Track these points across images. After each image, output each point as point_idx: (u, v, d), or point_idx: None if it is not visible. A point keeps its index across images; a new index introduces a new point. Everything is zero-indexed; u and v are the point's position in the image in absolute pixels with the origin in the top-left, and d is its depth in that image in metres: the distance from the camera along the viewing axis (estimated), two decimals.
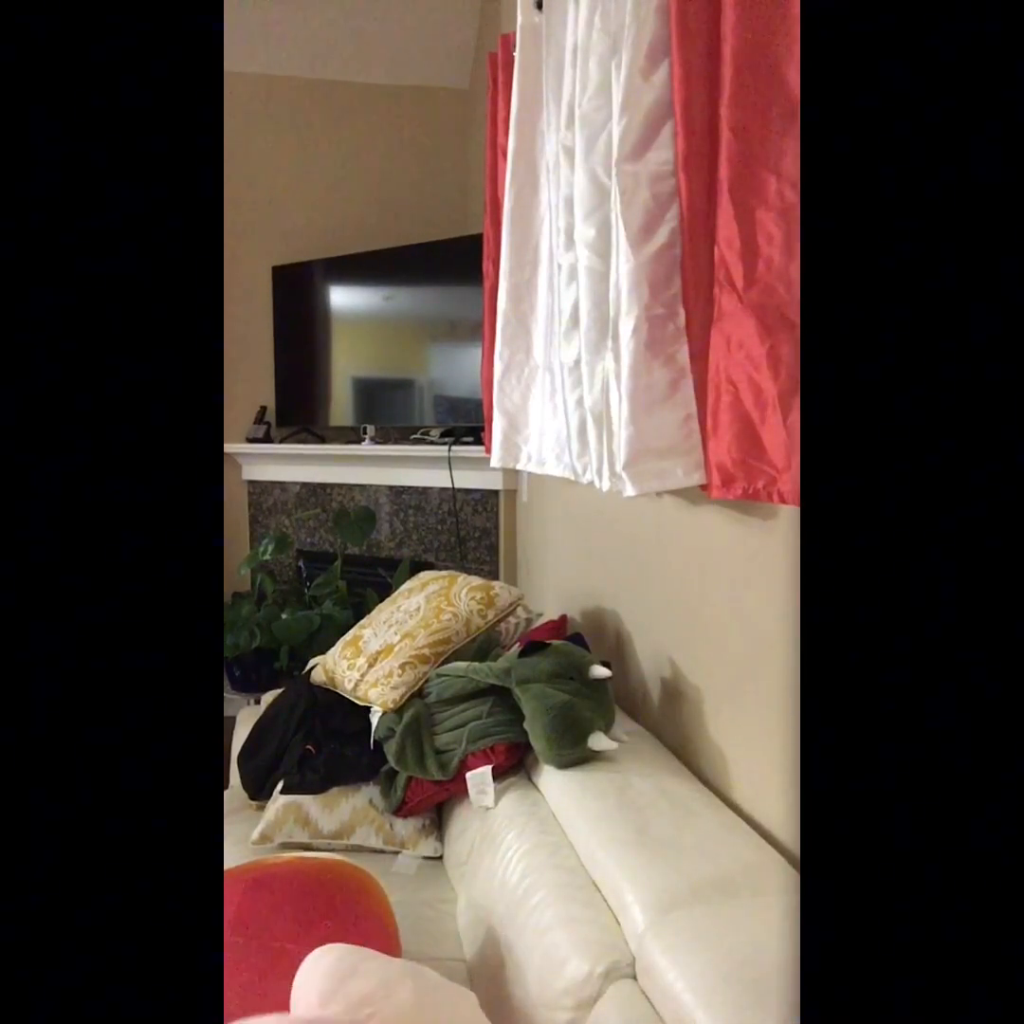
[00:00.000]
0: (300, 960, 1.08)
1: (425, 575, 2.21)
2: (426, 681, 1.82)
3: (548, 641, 1.70)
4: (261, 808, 1.91)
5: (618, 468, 1.31)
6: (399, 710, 1.79)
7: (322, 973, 0.99)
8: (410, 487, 3.42)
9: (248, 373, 3.85)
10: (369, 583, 3.46)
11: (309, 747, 1.88)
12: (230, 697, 3.58)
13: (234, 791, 2.08)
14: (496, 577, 3.20)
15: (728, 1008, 0.87)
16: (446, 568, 3.33)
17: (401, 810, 1.77)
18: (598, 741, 1.50)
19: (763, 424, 1.09)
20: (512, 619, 2.00)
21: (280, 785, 1.83)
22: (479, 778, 1.62)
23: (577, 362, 1.58)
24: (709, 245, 1.19)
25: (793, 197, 1.03)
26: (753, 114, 1.06)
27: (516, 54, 1.91)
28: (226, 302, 3.78)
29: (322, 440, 3.76)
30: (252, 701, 2.86)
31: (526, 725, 1.58)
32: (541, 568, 2.75)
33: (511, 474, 3.08)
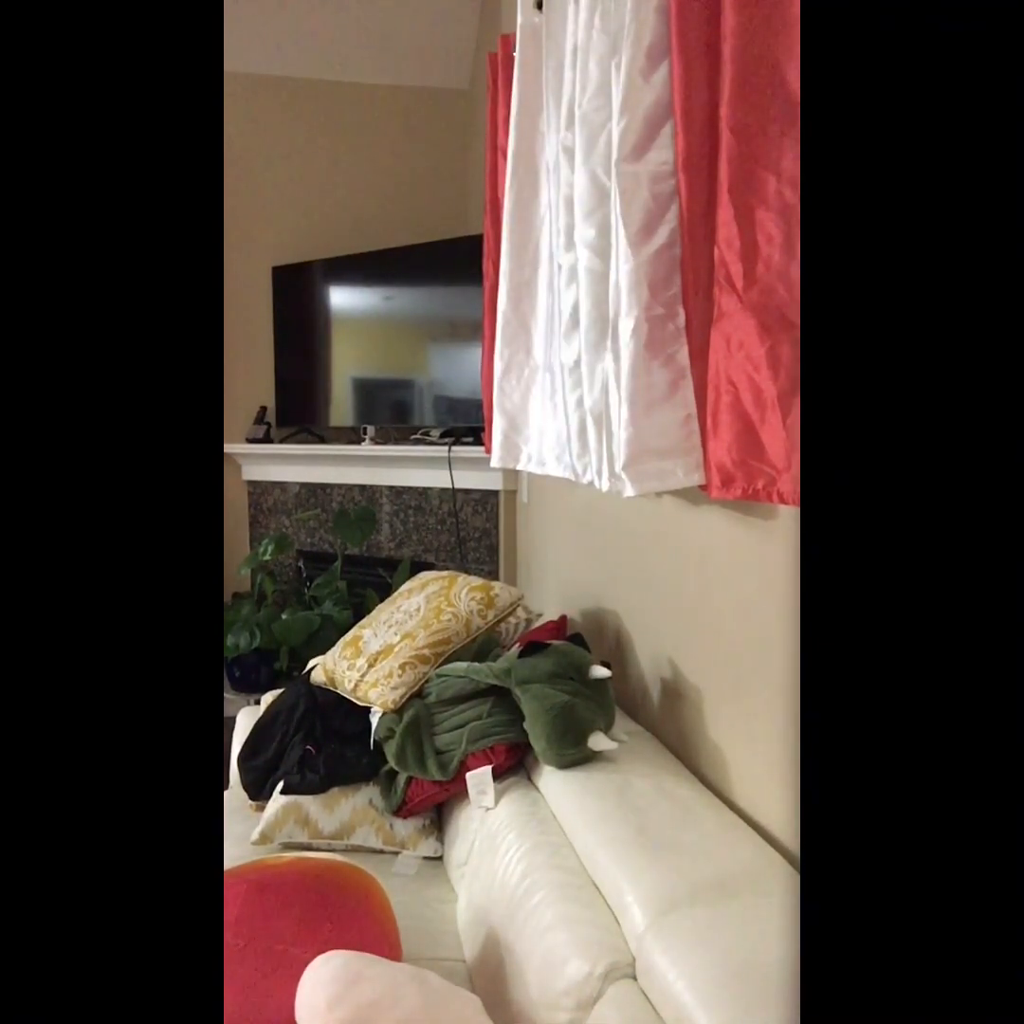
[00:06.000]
0: (302, 963, 1.08)
1: (425, 575, 2.21)
2: (426, 681, 1.82)
3: (548, 641, 1.70)
4: (261, 808, 1.91)
5: (618, 468, 1.31)
6: (399, 710, 1.79)
7: (328, 978, 0.99)
8: (410, 487, 3.42)
9: (248, 373, 3.85)
10: (369, 583, 3.46)
11: (309, 747, 1.88)
12: (230, 697, 3.58)
13: (234, 791, 2.08)
14: (496, 577, 3.20)
15: (728, 1008, 0.87)
16: (446, 568, 3.33)
17: (401, 810, 1.77)
18: (598, 741, 1.49)
19: (763, 424, 1.09)
20: (512, 619, 2.00)
21: (280, 785, 1.83)
22: (479, 778, 1.62)
23: (577, 362, 1.58)
24: (709, 245, 1.19)
25: (793, 197, 1.03)
26: (753, 114, 1.06)
27: (516, 54, 1.90)
28: (226, 302, 3.78)
29: (322, 440, 3.76)
30: (252, 701, 2.86)
31: (526, 725, 1.58)
32: (541, 568, 2.75)
33: (511, 474, 3.08)
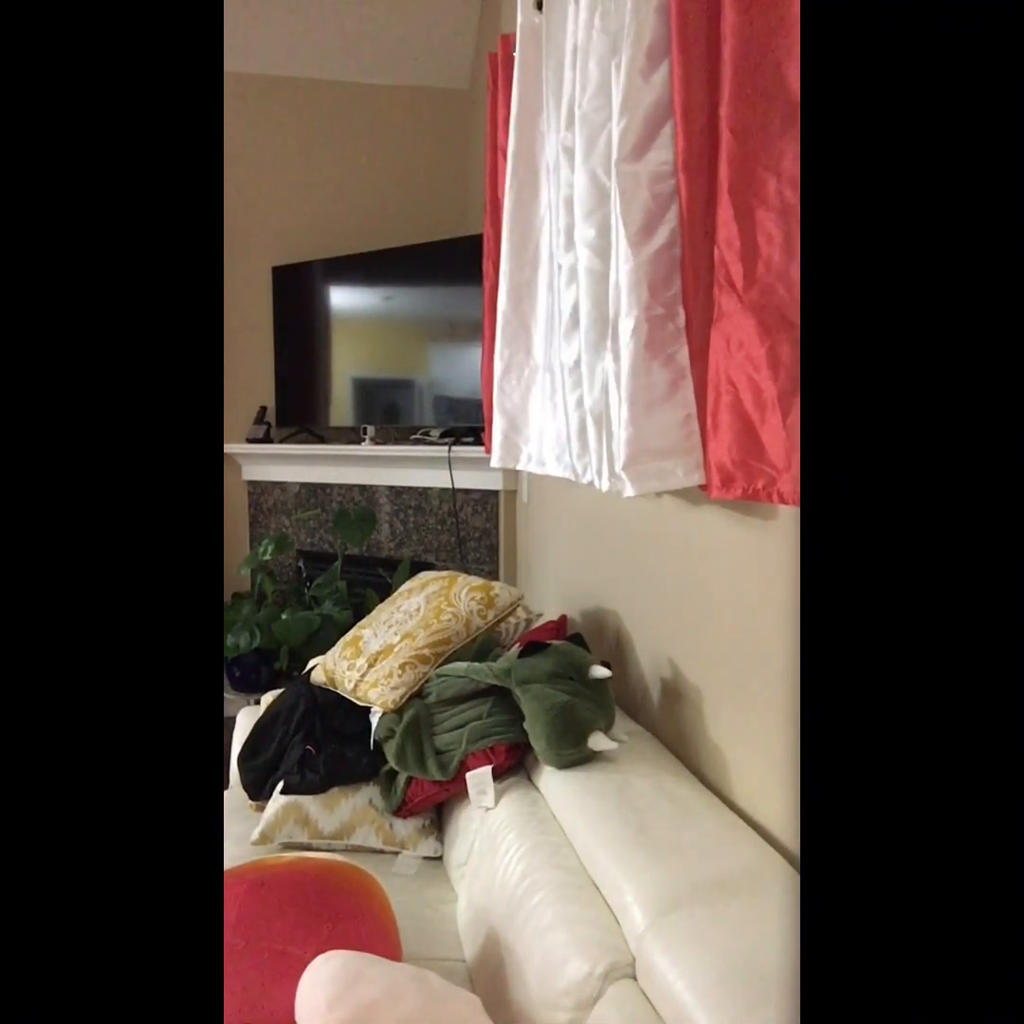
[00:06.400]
0: (302, 963, 1.08)
1: (425, 575, 2.21)
2: (426, 681, 1.82)
3: (548, 641, 1.70)
4: (261, 808, 1.91)
5: (618, 468, 1.31)
6: (399, 710, 1.79)
7: (328, 978, 0.99)
8: (410, 487, 3.42)
9: (248, 373, 3.85)
10: (369, 583, 3.46)
11: (309, 747, 1.88)
12: (230, 697, 3.58)
13: (234, 791, 2.08)
14: (496, 577, 3.20)
15: (728, 1008, 0.87)
16: (446, 568, 3.33)
17: (401, 810, 1.77)
18: (598, 741, 1.49)
19: (763, 424, 1.09)
20: (512, 619, 2.00)
21: (280, 785, 1.83)
22: (479, 778, 1.62)
23: (577, 362, 1.58)
24: (709, 245, 1.19)
25: (793, 197, 1.03)
26: (753, 114, 1.06)
27: (516, 54, 1.90)
28: (226, 302, 3.78)
29: (322, 440, 3.76)
30: (252, 701, 2.86)
31: (526, 725, 1.58)
32: (541, 568, 2.75)
33: (511, 474, 3.08)
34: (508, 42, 2.16)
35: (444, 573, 2.15)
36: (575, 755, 1.50)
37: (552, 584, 2.60)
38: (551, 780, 1.50)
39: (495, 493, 3.16)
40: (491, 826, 1.55)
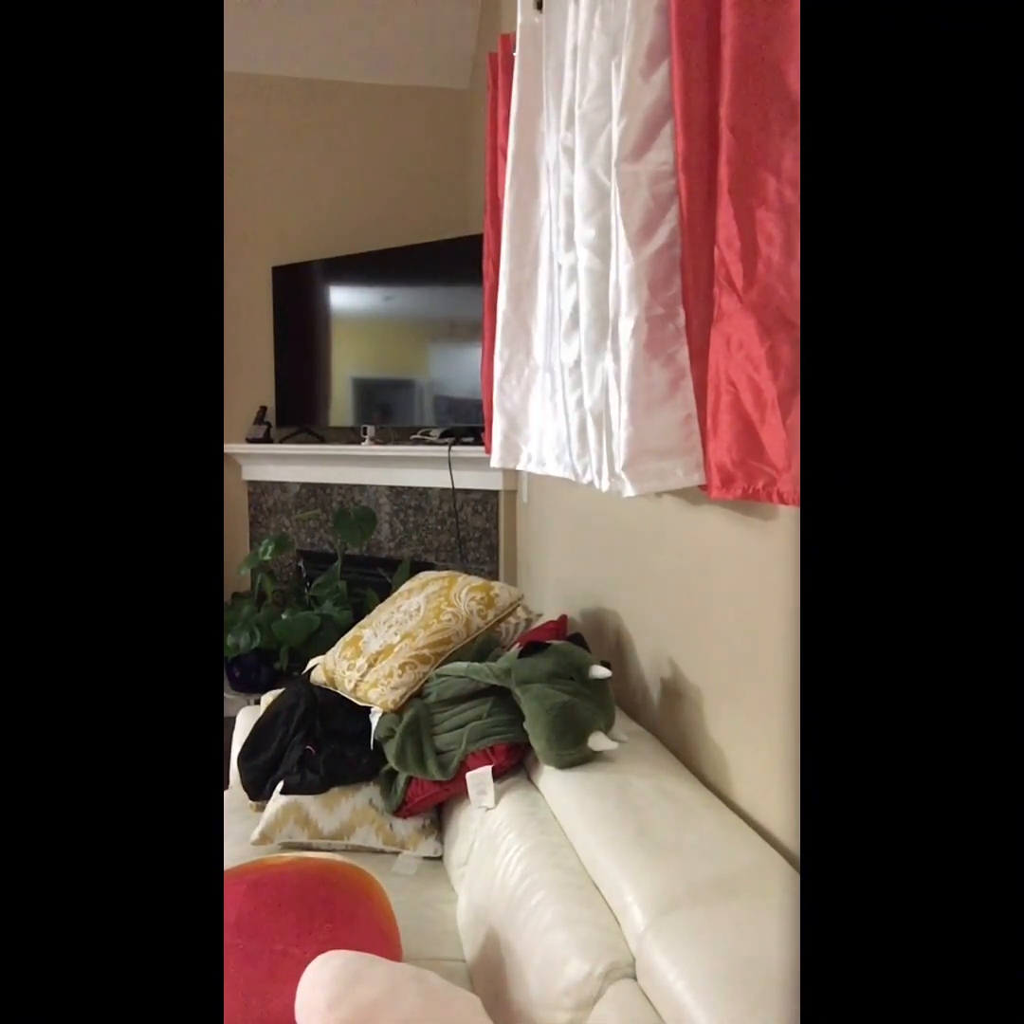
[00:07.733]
0: (302, 963, 1.08)
1: (425, 575, 2.21)
2: (426, 681, 1.82)
3: (548, 641, 1.70)
4: (261, 808, 1.91)
5: (618, 468, 1.31)
6: (399, 710, 1.79)
7: (328, 979, 0.99)
8: (410, 487, 3.42)
9: (248, 373, 3.85)
10: (369, 583, 3.46)
11: (309, 747, 1.88)
12: (230, 697, 3.58)
13: (234, 791, 2.08)
14: (496, 577, 3.20)
15: (728, 1008, 0.87)
16: (446, 568, 3.33)
17: (401, 810, 1.77)
18: (598, 741, 1.49)
19: (763, 424, 1.09)
20: (512, 619, 2.00)
21: (280, 785, 1.83)
22: (479, 778, 1.62)
23: (577, 362, 1.58)
24: (709, 245, 1.19)
25: (793, 197, 1.03)
26: (753, 114, 1.06)
27: (516, 54, 1.90)
28: (226, 302, 3.78)
29: (322, 440, 3.76)
30: (252, 701, 2.86)
31: (526, 725, 1.58)
32: (541, 568, 2.75)
33: (511, 474, 3.08)
34: (508, 42, 2.16)
35: (444, 573, 2.15)
36: (575, 755, 1.50)
37: (552, 584, 2.60)
38: (551, 780, 1.50)
39: (495, 493, 3.16)
40: (491, 826, 1.55)
